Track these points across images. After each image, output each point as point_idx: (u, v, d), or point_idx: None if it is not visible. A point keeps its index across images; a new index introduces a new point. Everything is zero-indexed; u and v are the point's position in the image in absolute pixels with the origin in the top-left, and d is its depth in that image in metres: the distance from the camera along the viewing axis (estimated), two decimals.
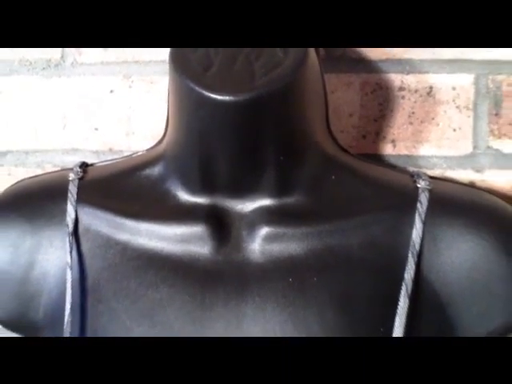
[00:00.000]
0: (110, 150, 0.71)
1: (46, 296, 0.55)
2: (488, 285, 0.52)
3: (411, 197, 0.54)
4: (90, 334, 0.51)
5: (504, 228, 0.53)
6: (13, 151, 0.73)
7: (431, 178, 0.58)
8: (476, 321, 0.52)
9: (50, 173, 0.65)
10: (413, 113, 0.69)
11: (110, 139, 0.72)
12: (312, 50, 0.55)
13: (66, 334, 0.51)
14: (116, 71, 0.71)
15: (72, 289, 0.52)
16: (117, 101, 0.71)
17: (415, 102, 0.69)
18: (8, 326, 0.57)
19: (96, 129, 0.72)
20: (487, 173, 0.68)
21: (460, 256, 0.52)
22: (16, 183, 0.62)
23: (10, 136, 0.73)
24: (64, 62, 0.72)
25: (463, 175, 0.68)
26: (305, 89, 0.53)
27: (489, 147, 0.68)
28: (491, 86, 0.68)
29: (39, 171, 0.72)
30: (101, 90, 0.72)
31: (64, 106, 0.72)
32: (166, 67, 0.56)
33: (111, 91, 0.71)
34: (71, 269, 0.53)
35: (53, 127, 0.72)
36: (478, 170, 0.68)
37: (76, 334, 0.51)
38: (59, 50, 0.72)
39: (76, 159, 0.71)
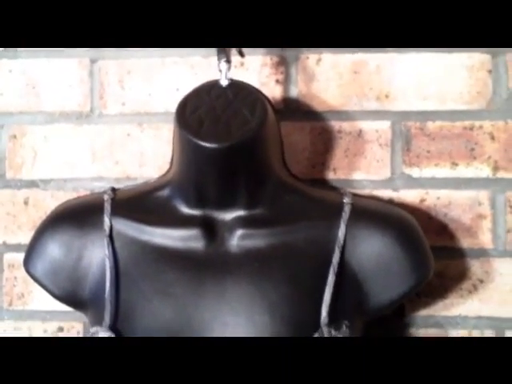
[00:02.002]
0: (127, 177, 0.97)
1: (90, 279, 0.80)
2: (389, 266, 0.78)
3: (339, 208, 0.80)
4: (122, 304, 0.77)
5: (401, 230, 0.80)
6: (55, 179, 0.98)
7: (356, 195, 0.84)
8: (382, 291, 0.78)
9: (85, 195, 0.90)
10: (348, 149, 0.95)
11: (127, 170, 0.97)
12: (271, 110, 0.81)
13: (107, 304, 0.76)
14: (131, 120, 0.97)
15: (109, 273, 0.78)
16: (132, 142, 0.97)
17: (349, 141, 0.95)
18: (63, 300, 0.82)
19: (117, 162, 0.97)
20: (401, 192, 0.94)
21: (371, 248, 0.78)
22: (63, 202, 0.88)
23: (53, 168, 0.98)
24: (92, 113, 0.98)
25: (384, 194, 0.94)
26: (266, 137, 0.79)
27: (402, 173, 0.94)
28: (403, 129, 0.94)
29: (75, 194, 0.96)
30: (120, 133, 0.97)
31: (92, 146, 0.98)
32: (168, 117, 0.81)
33: (128, 134, 0.97)
34: (109, 259, 0.78)
35: (84, 161, 0.98)
36: (394, 190, 0.94)
37: (113, 305, 0.76)
38: (89, 104, 0.98)
39: (102, 185, 0.96)
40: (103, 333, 0.74)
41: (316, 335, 0.72)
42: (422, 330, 0.92)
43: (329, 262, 0.77)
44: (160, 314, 0.75)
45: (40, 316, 0.97)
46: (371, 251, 0.78)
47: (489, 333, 0.91)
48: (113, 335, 0.74)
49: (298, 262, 0.77)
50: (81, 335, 0.96)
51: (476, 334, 0.92)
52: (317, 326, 0.73)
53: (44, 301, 0.95)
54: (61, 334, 0.96)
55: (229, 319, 0.74)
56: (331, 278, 0.76)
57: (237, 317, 0.74)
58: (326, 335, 0.72)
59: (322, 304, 0.74)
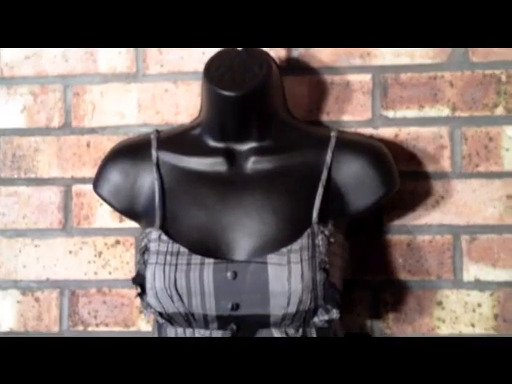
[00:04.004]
0: (166, 123, 1.24)
1: (143, 197, 1.08)
2: (364, 182, 1.04)
3: (327, 140, 1.06)
4: (168, 212, 1.04)
5: (374, 155, 1.06)
6: (109, 126, 1.26)
7: (342, 131, 1.10)
8: (359, 200, 1.04)
9: (135, 136, 1.18)
10: (338, 96, 1.21)
11: (165, 117, 1.24)
12: (275, 67, 1.07)
13: (157, 212, 1.03)
14: (168, 78, 1.24)
15: (158, 190, 1.05)
16: (169, 95, 1.24)
17: (339, 90, 1.21)
18: (123, 213, 1.11)
19: (157, 112, 1.24)
20: (380, 129, 1.20)
21: (351, 168, 1.05)
22: (119, 142, 1.15)
23: (108, 118, 1.26)
24: (138, 74, 1.25)
25: (366, 131, 1.20)
26: (271, 87, 1.05)
27: (381, 115, 1.20)
28: (381, 80, 1.20)
29: (125, 137, 1.23)
30: (160, 89, 1.24)
31: (138, 100, 1.25)
32: (197, 75, 1.08)
33: (166, 90, 1.24)
34: (157, 181, 1.06)
35: (132, 112, 1.25)
36: (374, 128, 1.20)
37: (161, 212, 1.03)
38: (135, 66, 1.25)
39: (146, 130, 1.22)
40: (155, 232, 1.02)
41: (308, 230, 0.99)
42: (396, 235, 1.19)
43: (319, 179, 1.04)
44: (196, 218, 1.03)
45: (101, 232, 1.25)
46: (351, 171, 1.05)
47: (448, 237, 1.18)
48: (162, 233, 1.01)
49: (296, 179, 1.04)
50: (133, 247, 1.24)
51: (438, 238, 1.18)
52: (309, 223, 1.00)
53: (104, 221, 1.24)
54: (118, 246, 1.24)
55: (245, 221, 1.02)
56: (320, 190, 1.03)
57: (251, 219, 1.02)
58: (316, 230, 0.99)
59: (314, 208, 1.01)
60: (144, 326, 1.22)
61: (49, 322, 1.24)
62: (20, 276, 1.25)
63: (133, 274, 1.21)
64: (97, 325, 1.23)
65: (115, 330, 1.22)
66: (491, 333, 1.16)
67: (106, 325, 1.22)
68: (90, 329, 1.23)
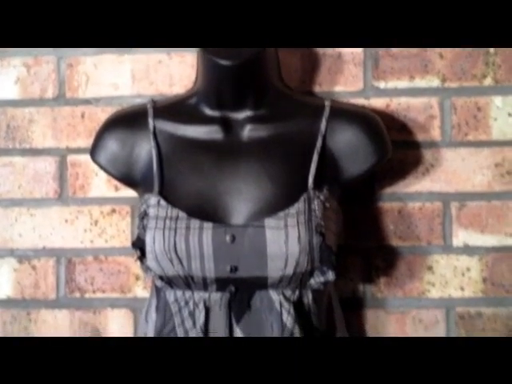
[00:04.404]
0: (160, 94, 1.25)
1: (141, 164, 1.09)
2: (357, 149, 1.07)
3: (321, 109, 1.09)
4: (166, 178, 1.05)
5: (366, 123, 1.08)
6: (104, 97, 1.27)
7: (336, 101, 1.12)
8: (352, 167, 1.07)
9: (131, 106, 1.19)
10: (330, 68, 1.23)
11: (159, 88, 1.26)
12: None
13: (155, 178, 1.05)
14: (162, 50, 1.25)
15: (155, 158, 1.07)
16: (163, 67, 1.25)
17: (331, 62, 1.23)
18: (121, 181, 1.12)
19: (151, 83, 1.26)
20: (371, 100, 1.22)
21: (344, 136, 1.07)
22: (116, 111, 1.16)
23: (102, 89, 1.27)
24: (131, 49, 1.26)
25: (358, 102, 1.22)
26: (266, 57, 1.07)
27: (372, 85, 1.23)
28: (373, 51, 1.22)
29: (120, 108, 1.25)
30: (153, 61, 1.25)
31: (132, 71, 1.26)
32: None
33: (159, 61, 1.25)
34: (154, 149, 1.07)
35: (126, 83, 1.26)
36: (366, 98, 1.22)
37: (159, 179, 1.05)
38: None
39: (140, 101, 1.23)
40: (154, 197, 1.03)
41: (305, 195, 1.01)
42: (387, 203, 1.22)
43: (314, 146, 1.06)
44: (194, 185, 1.05)
45: (97, 201, 1.26)
46: (345, 139, 1.07)
47: (438, 204, 1.21)
48: (161, 198, 1.03)
49: (292, 146, 1.06)
50: (129, 215, 1.25)
51: (428, 205, 1.21)
52: (305, 189, 1.02)
53: (100, 190, 1.26)
54: (114, 215, 1.26)
55: (242, 186, 1.04)
56: (315, 157, 1.05)
57: (247, 185, 1.04)
58: (311, 195, 1.02)
59: (309, 174, 1.04)
60: (140, 292, 1.24)
61: (46, 289, 1.26)
62: (16, 245, 1.27)
63: (129, 242, 1.24)
64: (93, 291, 1.25)
65: (112, 296, 1.24)
66: (480, 296, 1.19)
67: (103, 291, 1.24)
68: (86, 295, 1.25)
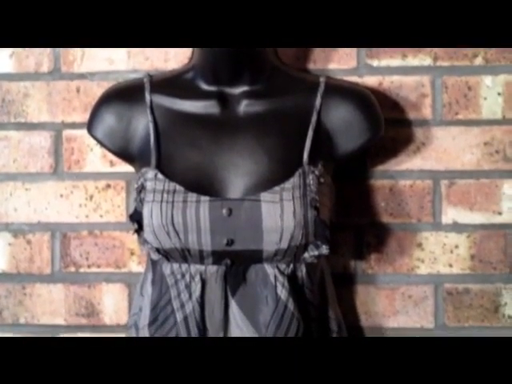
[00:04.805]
0: (156, 69, 1.26)
1: (138, 139, 1.10)
2: (352, 125, 1.09)
3: (316, 85, 1.10)
4: (163, 153, 1.07)
5: (361, 100, 1.10)
6: (99, 72, 1.27)
7: (330, 77, 1.14)
8: (346, 143, 1.09)
9: (128, 80, 1.19)
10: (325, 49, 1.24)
11: (155, 64, 1.26)
12: None
13: (152, 152, 1.06)
14: None
15: (153, 132, 1.08)
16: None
17: None
18: (118, 155, 1.13)
19: (147, 58, 1.26)
20: (365, 77, 1.24)
21: (339, 112, 1.09)
22: (112, 85, 1.17)
23: (98, 63, 1.27)
24: None
25: (352, 79, 1.24)
26: None
27: (365, 63, 1.24)
28: None
29: (115, 83, 1.25)
30: None
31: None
32: None
33: None
34: (151, 123, 1.09)
35: (122, 58, 1.27)
36: (359, 76, 1.24)
37: (157, 153, 1.06)
38: None
39: (136, 76, 1.24)
40: (151, 171, 1.05)
41: (300, 170, 1.03)
42: (378, 180, 1.24)
43: (308, 122, 1.07)
44: (190, 159, 1.06)
45: (92, 176, 1.27)
46: (339, 115, 1.09)
47: (428, 182, 1.23)
48: (158, 172, 1.04)
49: (287, 121, 1.08)
50: (124, 191, 1.26)
51: (418, 183, 1.23)
52: (300, 164, 1.04)
53: (95, 165, 1.26)
54: (109, 190, 1.27)
55: (238, 161, 1.05)
56: (310, 133, 1.07)
57: (244, 159, 1.05)
58: (306, 170, 1.03)
59: (304, 150, 1.05)
60: (135, 267, 1.25)
61: (41, 263, 1.27)
62: (11, 219, 1.27)
63: (124, 217, 1.25)
64: (88, 266, 1.26)
65: (107, 270, 1.26)
66: (467, 272, 1.22)
67: (98, 266, 1.26)
68: (81, 270, 1.26)
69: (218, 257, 1.02)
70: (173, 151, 1.07)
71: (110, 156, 1.24)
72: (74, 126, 1.27)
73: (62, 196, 1.27)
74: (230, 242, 1.01)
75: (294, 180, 1.02)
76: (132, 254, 1.25)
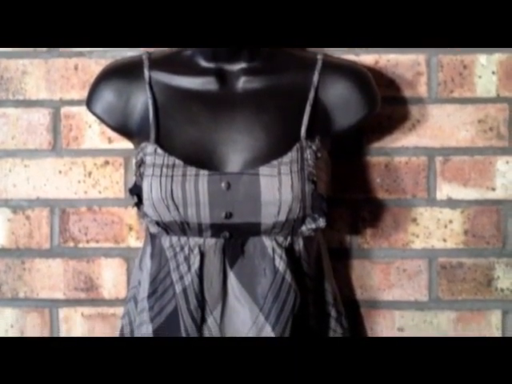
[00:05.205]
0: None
1: (137, 115, 1.12)
2: (348, 102, 1.10)
3: (314, 62, 1.11)
4: (162, 128, 1.08)
5: (358, 77, 1.12)
6: (97, 50, 1.28)
7: (328, 55, 1.15)
8: (343, 119, 1.10)
9: (127, 57, 1.20)
10: None
11: None
12: None
13: (152, 127, 1.07)
14: None
15: (152, 108, 1.09)
16: None
17: None
18: (117, 130, 1.15)
19: None
20: (361, 56, 1.25)
21: (336, 89, 1.10)
22: (111, 62, 1.18)
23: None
24: None
25: (349, 57, 1.24)
26: None
27: None
28: None
29: (113, 59, 1.26)
30: None
31: None
32: None
33: None
34: (150, 99, 1.10)
35: None
36: (356, 55, 1.25)
37: (156, 128, 1.07)
38: None
39: (134, 53, 1.25)
40: (151, 146, 1.06)
41: (297, 145, 1.05)
42: (374, 157, 1.25)
43: (306, 98, 1.09)
44: (190, 134, 1.07)
45: (90, 153, 1.28)
46: (336, 91, 1.10)
47: (423, 158, 1.25)
48: (158, 147, 1.05)
49: (285, 98, 1.09)
50: (122, 167, 1.28)
51: (414, 160, 1.25)
52: (298, 138, 1.06)
53: (93, 142, 1.28)
54: (107, 166, 1.28)
55: (236, 136, 1.07)
56: (308, 108, 1.08)
57: (242, 135, 1.07)
58: (304, 145, 1.05)
59: (302, 125, 1.07)
60: (133, 242, 1.27)
61: (40, 239, 1.28)
62: (10, 195, 1.28)
63: (122, 193, 1.27)
64: (87, 241, 1.27)
65: (105, 245, 1.27)
66: (461, 247, 1.24)
67: (97, 241, 1.27)
68: (80, 245, 1.28)
69: (216, 230, 1.04)
70: (172, 127, 1.09)
71: (109, 133, 1.25)
72: (72, 103, 1.28)
73: (60, 172, 1.28)
74: (229, 215, 1.03)
75: (292, 154, 1.04)
76: (130, 229, 1.27)
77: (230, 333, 1.04)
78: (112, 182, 1.27)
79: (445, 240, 1.25)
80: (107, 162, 1.28)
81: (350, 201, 1.25)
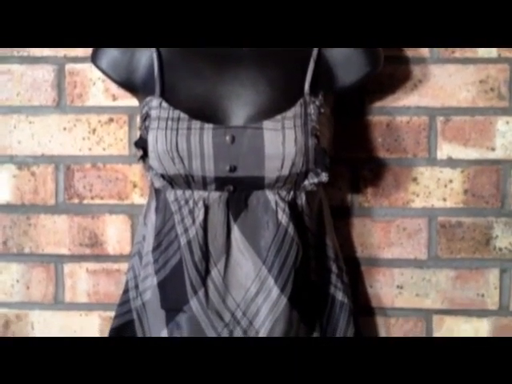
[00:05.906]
0: None
1: (141, 69, 1.13)
2: (351, 59, 1.11)
3: None
4: (167, 82, 1.08)
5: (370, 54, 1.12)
6: None
7: None
8: (346, 76, 1.11)
9: None
10: None
11: None
12: None
13: (156, 81, 1.09)
14: None
15: (156, 62, 1.10)
16: None
17: None
18: (122, 85, 1.16)
19: None
20: None
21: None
22: None
23: None
24: None
25: None
26: None
27: None
28: None
29: None
30: None
31: None
32: None
33: None
34: (155, 53, 1.10)
35: None
36: None
37: (161, 82, 1.08)
38: None
39: None
40: (156, 99, 1.07)
41: (301, 100, 1.06)
42: (376, 116, 1.27)
43: (310, 55, 1.10)
44: (194, 88, 1.08)
45: (95, 110, 1.29)
46: (340, 49, 1.11)
47: (424, 118, 1.26)
48: (163, 100, 1.06)
49: (289, 54, 1.10)
50: (126, 124, 1.29)
51: (415, 119, 1.26)
52: (301, 94, 1.07)
53: (97, 99, 1.28)
54: (112, 124, 1.29)
55: (241, 91, 1.08)
56: (312, 64, 1.09)
57: (247, 89, 1.08)
58: (307, 100, 1.06)
59: (306, 81, 1.08)
60: (137, 199, 1.28)
61: (45, 195, 1.30)
62: (15, 151, 1.30)
63: (127, 150, 1.28)
64: (92, 198, 1.29)
65: (110, 202, 1.29)
66: (460, 206, 1.26)
67: (101, 198, 1.29)
68: (85, 201, 1.29)
69: (220, 183, 1.05)
70: (176, 81, 1.10)
71: (113, 90, 1.26)
72: (76, 60, 1.28)
73: (65, 129, 1.29)
74: (233, 169, 1.04)
75: (296, 109, 1.05)
76: (134, 186, 1.28)
77: (233, 285, 1.06)
78: (116, 139, 1.28)
79: (444, 199, 1.26)
80: (111, 120, 1.29)
81: (352, 159, 1.26)
